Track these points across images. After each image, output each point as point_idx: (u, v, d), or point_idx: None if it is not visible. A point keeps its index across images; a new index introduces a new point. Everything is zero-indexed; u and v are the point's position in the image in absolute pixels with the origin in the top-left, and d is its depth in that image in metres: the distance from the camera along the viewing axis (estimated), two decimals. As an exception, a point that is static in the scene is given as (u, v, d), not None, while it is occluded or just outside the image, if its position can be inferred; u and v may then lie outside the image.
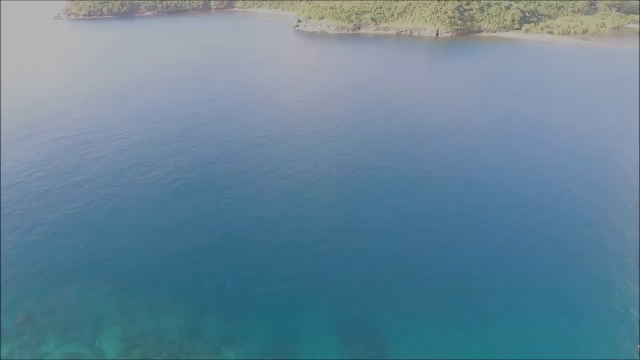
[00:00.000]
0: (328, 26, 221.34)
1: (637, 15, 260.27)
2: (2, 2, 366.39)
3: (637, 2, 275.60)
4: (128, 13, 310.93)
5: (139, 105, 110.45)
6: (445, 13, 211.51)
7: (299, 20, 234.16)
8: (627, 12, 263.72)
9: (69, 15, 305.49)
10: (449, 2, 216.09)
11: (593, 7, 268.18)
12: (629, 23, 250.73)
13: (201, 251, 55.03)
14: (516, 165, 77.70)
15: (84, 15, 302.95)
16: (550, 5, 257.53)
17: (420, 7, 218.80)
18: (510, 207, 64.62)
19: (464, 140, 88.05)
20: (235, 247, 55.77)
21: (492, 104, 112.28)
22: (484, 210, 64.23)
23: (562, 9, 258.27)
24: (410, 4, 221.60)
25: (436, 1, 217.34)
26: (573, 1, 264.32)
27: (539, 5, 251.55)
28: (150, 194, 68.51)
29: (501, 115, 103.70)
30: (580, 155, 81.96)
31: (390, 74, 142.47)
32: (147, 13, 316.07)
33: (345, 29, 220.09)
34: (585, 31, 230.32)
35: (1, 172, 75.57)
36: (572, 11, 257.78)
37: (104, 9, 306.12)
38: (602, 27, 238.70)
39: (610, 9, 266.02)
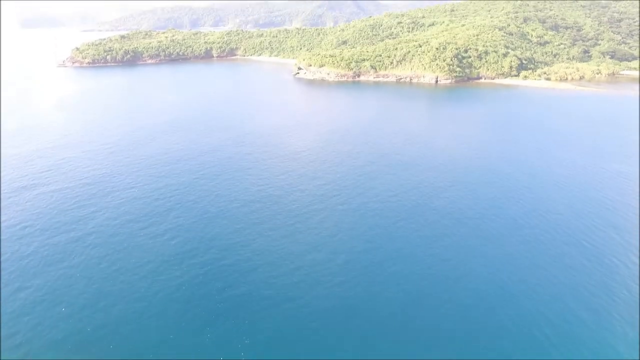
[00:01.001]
0: (328, 74, 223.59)
1: (631, 62, 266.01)
2: (5, 50, 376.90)
3: (629, 50, 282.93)
4: (131, 61, 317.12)
5: (136, 156, 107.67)
6: (444, 61, 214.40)
7: (299, 68, 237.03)
8: (620, 60, 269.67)
9: (73, 62, 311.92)
10: (447, 50, 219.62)
11: (587, 54, 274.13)
12: (624, 70, 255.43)
13: (198, 322, 50.52)
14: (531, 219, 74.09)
15: (88, 62, 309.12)
16: (546, 53, 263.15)
17: (419, 54, 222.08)
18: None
19: (475, 192, 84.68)
20: (234, 316, 51.26)
21: (497, 151, 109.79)
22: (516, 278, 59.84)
23: (557, 56, 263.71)
24: (409, 51, 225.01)
25: (434, 49, 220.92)
26: (568, 49, 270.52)
27: (534, 52, 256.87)
28: (146, 254, 64.61)
29: (507, 162, 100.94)
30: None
31: (392, 122, 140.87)
32: (150, 61, 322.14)
33: (345, 77, 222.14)
34: (582, 77, 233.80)
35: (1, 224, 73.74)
36: (567, 58, 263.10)
37: (108, 57, 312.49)
38: (597, 73, 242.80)
39: (604, 56, 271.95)
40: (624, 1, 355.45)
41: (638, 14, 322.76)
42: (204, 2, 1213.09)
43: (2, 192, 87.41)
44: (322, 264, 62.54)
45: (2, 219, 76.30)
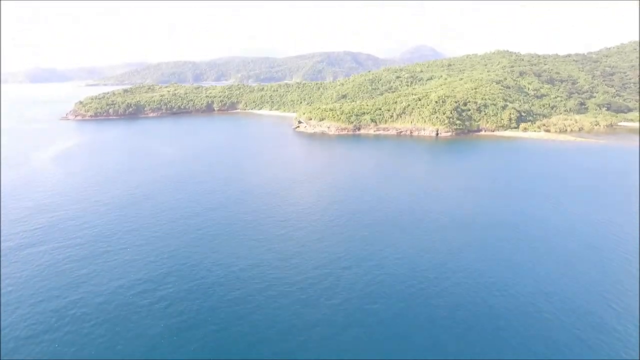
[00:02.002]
0: (328, 127, 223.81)
1: (627, 114, 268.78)
2: (10, 104, 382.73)
3: (624, 102, 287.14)
4: (133, 114, 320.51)
5: (133, 214, 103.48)
6: (444, 113, 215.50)
7: (300, 122, 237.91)
8: (617, 111, 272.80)
9: (76, 116, 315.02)
10: (447, 103, 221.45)
11: (583, 106, 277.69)
12: (621, 121, 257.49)
13: None
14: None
15: (90, 116, 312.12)
16: (543, 105, 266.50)
17: (418, 107, 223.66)
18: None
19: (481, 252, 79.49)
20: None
21: (507, 205, 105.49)
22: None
23: (554, 108, 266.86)
24: (409, 105, 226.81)
25: (434, 102, 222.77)
26: (564, 101, 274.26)
27: (532, 105, 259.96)
28: (138, 327, 59.56)
29: (513, 218, 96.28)
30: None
31: (396, 177, 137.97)
32: (151, 114, 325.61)
33: (346, 130, 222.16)
34: (581, 129, 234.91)
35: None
36: (565, 110, 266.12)
37: (110, 110, 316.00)
38: (596, 125, 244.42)
39: (600, 108, 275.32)
40: (614, 57, 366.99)
41: (629, 69, 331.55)
42: (207, 58, 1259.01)
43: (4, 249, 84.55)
44: (331, 338, 56.53)
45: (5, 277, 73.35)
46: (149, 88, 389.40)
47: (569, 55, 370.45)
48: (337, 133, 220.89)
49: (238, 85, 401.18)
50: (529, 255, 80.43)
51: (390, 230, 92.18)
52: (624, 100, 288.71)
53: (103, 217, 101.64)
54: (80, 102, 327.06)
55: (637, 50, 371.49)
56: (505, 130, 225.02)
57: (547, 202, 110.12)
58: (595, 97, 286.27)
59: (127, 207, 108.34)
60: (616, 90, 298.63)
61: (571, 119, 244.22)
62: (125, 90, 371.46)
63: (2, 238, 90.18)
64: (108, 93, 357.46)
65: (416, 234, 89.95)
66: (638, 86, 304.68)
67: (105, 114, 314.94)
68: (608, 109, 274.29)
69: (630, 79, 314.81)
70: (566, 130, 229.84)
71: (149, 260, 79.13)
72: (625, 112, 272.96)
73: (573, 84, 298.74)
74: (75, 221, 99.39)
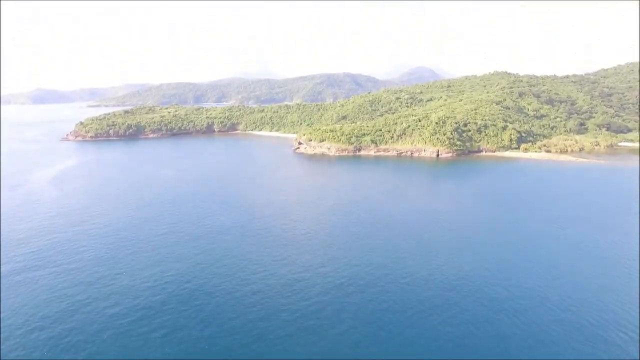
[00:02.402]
0: (329, 148, 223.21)
1: (627, 134, 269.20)
2: (12, 124, 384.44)
3: (624, 123, 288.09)
4: (133, 135, 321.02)
5: (130, 238, 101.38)
6: (444, 134, 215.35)
7: (300, 143, 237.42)
8: (616, 132, 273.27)
9: (76, 136, 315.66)
10: (447, 124, 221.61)
11: (583, 127, 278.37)
12: (621, 141, 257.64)
13: None
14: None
15: (91, 136, 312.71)
16: (543, 126, 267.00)
17: (419, 128, 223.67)
18: None
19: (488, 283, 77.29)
20: None
21: (506, 231, 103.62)
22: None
23: (554, 128, 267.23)
24: (409, 126, 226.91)
25: (434, 123, 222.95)
26: (564, 121, 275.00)
27: (532, 125, 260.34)
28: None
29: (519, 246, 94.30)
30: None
31: (399, 198, 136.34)
32: (151, 135, 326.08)
33: (346, 151, 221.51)
34: (581, 149, 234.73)
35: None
36: (565, 131, 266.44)
37: (111, 131, 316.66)
38: (596, 145, 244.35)
39: (600, 129, 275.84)
40: (611, 78, 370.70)
41: (626, 89, 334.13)
42: (208, 79, 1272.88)
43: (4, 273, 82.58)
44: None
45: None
46: (150, 109, 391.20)
47: (567, 77, 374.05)
48: (337, 154, 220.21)
49: (238, 106, 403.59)
50: (538, 277, 78.27)
51: (395, 254, 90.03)
52: (623, 120, 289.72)
53: (100, 241, 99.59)
54: (81, 123, 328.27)
55: (634, 71, 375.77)
56: (505, 150, 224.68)
57: (552, 223, 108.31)
58: (594, 117, 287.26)
59: (124, 230, 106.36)
60: (615, 111, 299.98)
61: (572, 140, 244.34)
62: (126, 111, 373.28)
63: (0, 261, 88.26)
64: (109, 114, 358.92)
65: (423, 257, 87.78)
66: (637, 106, 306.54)
67: (105, 135, 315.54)
68: (608, 129, 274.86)
69: (628, 100, 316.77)
70: (567, 150, 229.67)
71: (147, 286, 76.84)
72: (625, 133, 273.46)
73: (572, 104, 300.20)
74: (72, 244, 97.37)
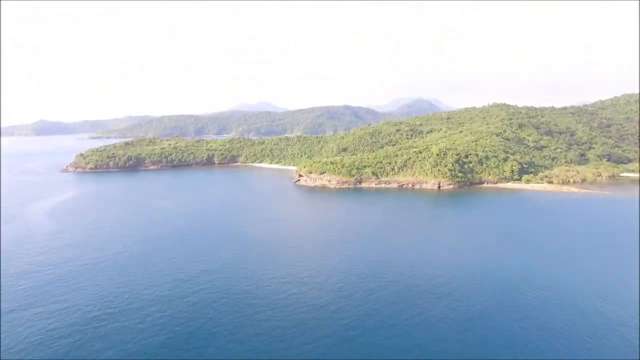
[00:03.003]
0: (329, 180, 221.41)
1: (628, 165, 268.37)
2: (13, 156, 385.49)
3: (624, 153, 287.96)
4: (133, 167, 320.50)
5: (125, 275, 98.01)
6: (446, 166, 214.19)
7: (300, 175, 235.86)
8: (617, 162, 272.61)
9: (76, 168, 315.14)
10: (448, 155, 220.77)
11: (583, 157, 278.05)
12: (623, 172, 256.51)
13: None
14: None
15: (91, 168, 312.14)
16: (544, 157, 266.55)
17: (420, 160, 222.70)
18: None
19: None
20: None
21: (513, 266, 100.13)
22: None
23: (555, 159, 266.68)
24: (410, 157, 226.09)
25: (435, 155, 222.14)
26: (564, 152, 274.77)
27: (533, 157, 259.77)
28: None
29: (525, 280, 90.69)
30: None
31: (401, 233, 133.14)
32: (151, 167, 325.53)
33: (347, 183, 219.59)
34: (583, 180, 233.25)
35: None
36: (566, 162, 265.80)
37: (110, 163, 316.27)
38: (598, 176, 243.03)
39: (601, 159, 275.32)
40: (609, 109, 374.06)
41: (624, 120, 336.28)
42: (209, 111, 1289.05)
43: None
44: None
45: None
46: (150, 141, 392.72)
47: (565, 108, 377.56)
48: (338, 186, 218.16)
49: (239, 138, 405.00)
50: (549, 316, 74.54)
51: (400, 293, 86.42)
52: (623, 151, 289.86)
53: (94, 278, 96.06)
54: (81, 155, 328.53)
55: (631, 102, 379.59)
56: (507, 182, 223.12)
57: (559, 257, 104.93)
58: (594, 148, 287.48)
59: (120, 267, 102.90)
60: (614, 142, 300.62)
61: (573, 170, 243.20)
62: (127, 143, 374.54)
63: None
64: (109, 146, 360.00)
65: (430, 297, 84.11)
66: (636, 137, 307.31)
67: (105, 167, 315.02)
68: (608, 160, 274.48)
69: (626, 131, 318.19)
70: (569, 181, 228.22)
71: (141, 328, 73.08)
72: (626, 163, 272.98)
73: (572, 135, 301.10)
74: (66, 282, 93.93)
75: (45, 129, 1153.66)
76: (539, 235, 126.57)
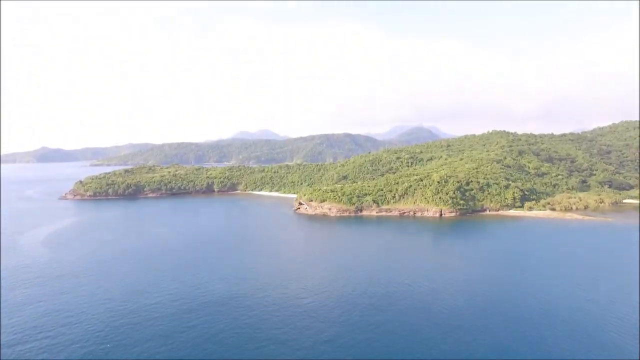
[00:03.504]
0: (330, 209, 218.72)
1: (630, 191, 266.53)
2: (8, 182, 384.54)
3: (625, 180, 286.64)
4: (132, 194, 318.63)
5: (122, 307, 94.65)
6: (447, 194, 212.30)
7: (300, 203, 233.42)
8: (619, 189, 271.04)
9: (74, 195, 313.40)
10: (449, 183, 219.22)
11: (585, 184, 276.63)
12: (625, 198, 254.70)
13: None
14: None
15: (89, 195, 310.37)
16: (545, 183, 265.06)
17: (421, 188, 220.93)
18: None
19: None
20: None
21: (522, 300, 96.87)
22: None
23: (556, 186, 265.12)
24: (411, 185, 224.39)
25: (436, 182, 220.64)
26: (565, 179, 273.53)
27: (534, 183, 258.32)
28: None
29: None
30: None
31: (405, 264, 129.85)
32: (151, 194, 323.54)
33: (347, 211, 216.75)
34: (586, 207, 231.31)
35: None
36: (567, 188, 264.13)
37: (110, 190, 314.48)
38: (601, 202, 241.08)
39: (602, 186, 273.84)
40: (607, 136, 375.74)
41: (624, 147, 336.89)
42: (210, 139, 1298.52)
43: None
44: None
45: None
46: (150, 169, 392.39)
47: (564, 135, 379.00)
48: (338, 215, 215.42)
49: (239, 166, 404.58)
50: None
51: (406, 333, 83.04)
52: (624, 177, 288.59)
53: (88, 311, 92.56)
54: (80, 182, 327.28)
55: (629, 129, 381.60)
56: (509, 209, 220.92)
57: (569, 286, 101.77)
58: (595, 174, 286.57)
59: (116, 300, 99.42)
60: (615, 168, 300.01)
61: (575, 197, 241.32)
62: (126, 171, 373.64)
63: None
64: (108, 173, 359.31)
65: (436, 334, 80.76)
66: (636, 163, 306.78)
67: (104, 194, 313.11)
68: (610, 186, 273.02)
69: (626, 157, 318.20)
70: (571, 208, 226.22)
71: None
72: (628, 190, 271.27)
73: (572, 162, 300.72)
74: (59, 314, 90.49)
75: (46, 156, 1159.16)
76: (548, 265, 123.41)
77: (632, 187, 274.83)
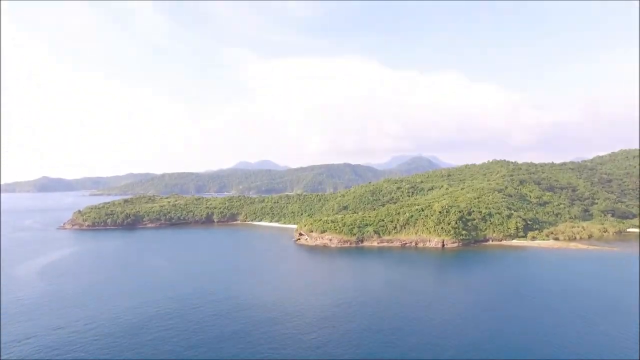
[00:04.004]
0: (330, 239, 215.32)
1: (633, 220, 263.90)
2: (8, 212, 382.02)
3: (627, 208, 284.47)
4: (131, 224, 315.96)
5: (115, 344, 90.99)
6: (449, 224, 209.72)
7: (300, 234, 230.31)
8: (622, 217, 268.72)
9: (73, 225, 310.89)
10: (451, 213, 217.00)
11: (587, 213, 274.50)
12: (629, 227, 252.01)
13: None
14: None
15: (88, 225, 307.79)
16: (547, 213, 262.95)
17: (422, 218, 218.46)
18: None
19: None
20: None
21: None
22: None
23: (559, 215, 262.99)
24: (412, 215, 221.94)
25: (438, 212, 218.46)
26: (568, 208, 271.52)
27: (536, 213, 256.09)
28: None
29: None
30: None
31: (412, 299, 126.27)
32: (150, 225, 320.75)
33: (348, 242, 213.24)
34: (590, 236, 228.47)
35: None
36: (570, 217, 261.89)
37: (108, 220, 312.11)
38: (604, 232, 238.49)
39: (605, 215, 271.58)
40: (607, 164, 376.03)
41: (624, 175, 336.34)
42: (210, 169, 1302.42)
43: None
44: None
45: None
46: (150, 198, 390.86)
47: (564, 164, 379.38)
48: (339, 245, 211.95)
49: (238, 196, 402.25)
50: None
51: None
52: (626, 206, 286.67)
53: (81, 348, 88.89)
54: (79, 212, 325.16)
55: (629, 157, 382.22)
56: (512, 239, 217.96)
57: (579, 322, 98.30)
58: (597, 203, 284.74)
59: (110, 336, 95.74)
60: (617, 197, 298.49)
61: (579, 226, 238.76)
62: (125, 201, 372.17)
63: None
64: (107, 203, 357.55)
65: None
66: (636, 192, 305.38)
67: (103, 224, 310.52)
68: (613, 215, 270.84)
69: (627, 186, 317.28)
70: (575, 237, 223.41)
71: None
72: (631, 218, 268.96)
73: (573, 190, 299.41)
74: (52, 352, 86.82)
75: (47, 185, 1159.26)
76: (558, 298, 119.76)
77: (634, 216, 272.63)
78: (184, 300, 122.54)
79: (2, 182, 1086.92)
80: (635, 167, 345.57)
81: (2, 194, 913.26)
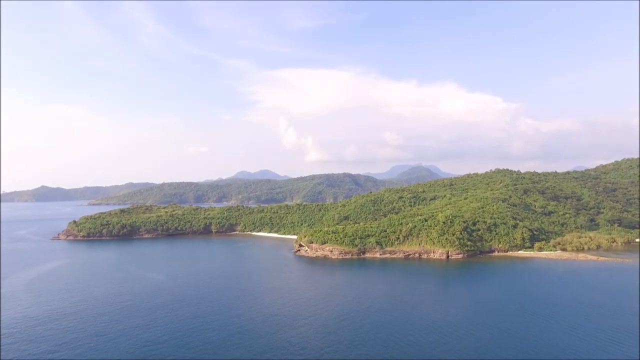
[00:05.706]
0: (331, 251, 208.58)
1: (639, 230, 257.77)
2: (3, 223, 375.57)
3: (633, 218, 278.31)
4: (127, 235, 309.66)
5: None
6: (453, 234, 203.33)
7: (300, 245, 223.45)
8: (628, 227, 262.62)
9: (67, 236, 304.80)
10: (455, 223, 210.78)
11: (593, 222, 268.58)
12: (637, 238, 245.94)
13: None
14: None
15: (83, 236, 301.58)
16: (553, 222, 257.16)
17: (425, 229, 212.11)
18: None
19: None
20: None
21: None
22: None
23: (565, 225, 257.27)
24: (415, 226, 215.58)
25: (441, 223, 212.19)
26: (573, 218, 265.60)
27: (542, 223, 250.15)
28: None
29: None
30: None
31: (419, 317, 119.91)
32: (146, 235, 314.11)
33: (350, 254, 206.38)
34: (598, 247, 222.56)
35: None
36: (576, 227, 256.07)
37: (104, 231, 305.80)
38: (613, 242, 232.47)
39: (612, 224, 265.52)
40: (611, 173, 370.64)
41: (629, 184, 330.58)
42: (210, 179, 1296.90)
43: None
44: None
45: None
46: (147, 208, 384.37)
47: (568, 173, 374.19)
48: (340, 257, 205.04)
49: (237, 206, 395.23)
50: None
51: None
52: (633, 215, 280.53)
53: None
54: (74, 222, 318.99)
55: (633, 167, 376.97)
56: (519, 250, 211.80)
57: (596, 339, 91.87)
58: (603, 212, 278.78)
59: (101, 350, 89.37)
60: (622, 206, 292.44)
61: (586, 237, 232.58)
62: (122, 211, 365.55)
63: None
64: (104, 213, 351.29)
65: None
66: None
67: (98, 235, 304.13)
68: (619, 225, 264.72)
69: (632, 195, 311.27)
70: (583, 248, 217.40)
71: None
72: (638, 228, 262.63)
73: (578, 200, 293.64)
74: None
75: (45, 195, 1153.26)
76: (570, 313, 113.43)
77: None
78: (176, 316, 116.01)
79: (1, 192, 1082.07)
80: (638, 176, 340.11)
81: (1, 204, 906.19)
